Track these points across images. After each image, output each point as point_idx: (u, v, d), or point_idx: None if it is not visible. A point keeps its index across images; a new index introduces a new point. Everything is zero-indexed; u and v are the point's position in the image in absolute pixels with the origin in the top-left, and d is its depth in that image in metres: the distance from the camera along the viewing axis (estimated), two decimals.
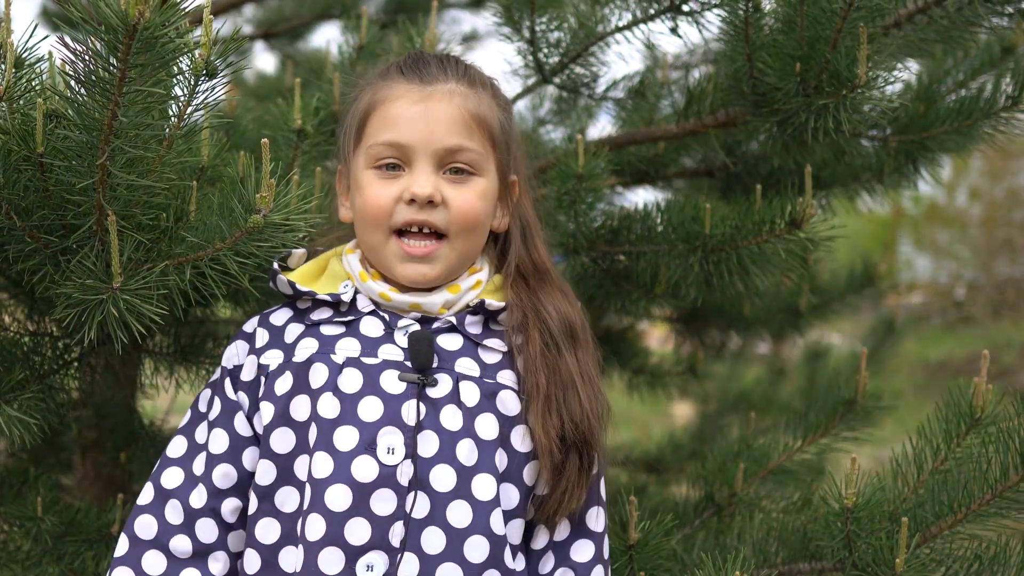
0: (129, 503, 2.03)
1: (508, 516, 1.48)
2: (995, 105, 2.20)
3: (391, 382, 1.46)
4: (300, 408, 1.47)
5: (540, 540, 1.54)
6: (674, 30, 2.17)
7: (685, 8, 2.11)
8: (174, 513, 1.51)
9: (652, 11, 2.17)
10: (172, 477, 1.53)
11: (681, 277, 2.09)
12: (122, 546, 1.52)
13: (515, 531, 1.50)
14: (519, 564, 1.50)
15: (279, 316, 1.57)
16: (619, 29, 2.23)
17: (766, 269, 2.02)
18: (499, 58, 2.38)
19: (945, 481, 1.78)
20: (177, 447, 1.56)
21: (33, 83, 1.39)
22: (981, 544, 1.78)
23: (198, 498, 1.51)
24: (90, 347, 1.92)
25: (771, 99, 1.94)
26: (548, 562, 1.54)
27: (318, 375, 1.47)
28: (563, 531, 1.54)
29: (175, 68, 1.21)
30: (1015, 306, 10.93)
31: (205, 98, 1.31)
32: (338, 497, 1.41)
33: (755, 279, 2.03)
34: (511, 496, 1.48)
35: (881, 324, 3.89)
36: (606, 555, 1.58)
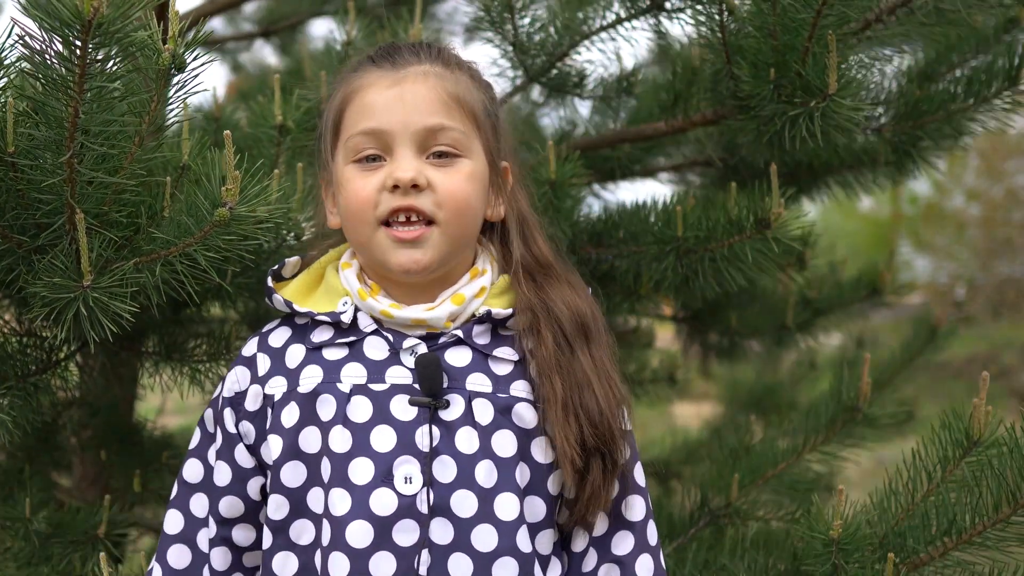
0: (117, 503, 2.03)
1: (536, 529, 1.44)
2: (990, 89, 2.16)
3: (402, 408, 1.41)
4: (310, 441, 1.43)
5: (579, 543, 1.49)
6: (657, 29, 2.16)
7: (668, 6, 2.10)
8: (207, 542, 1.51)
9: (635, 10, 2.16)
10: (199, 504, 1.52)
11: (660, 279, 2.07)
12: None
13: (544, 542, 1.46)
14: (552, 573, 1.47)
15: (278, 336, 1.52)
16: (603, 28, 2.22)
17: (740, 270, 2.00)
18: (488, 57, 2.37)
19: (939, 506, 1.73)
20: (194, 471, 1.54)
21: (13, 81, 1.38)
22: (972, 575, 1.75)
23: (214, 529, 1.51)
24: (79, 347, 1.91)
25: (749, 104, 1.93)
26: (591, 559, 1.48)
27: (326, 407, 1.43)
28: (601, 526, 1.48)
29: (142, 62, 1.20)
30: (1015, 306, 10.92)
31: (176, 93, 1.29)
32: (359, 534, 1.37)
33: (731, 280, 2.01)
34: (537, 509, 1.44)
35: (921, 331, 3.69)
36: (651, 542, 1.51)
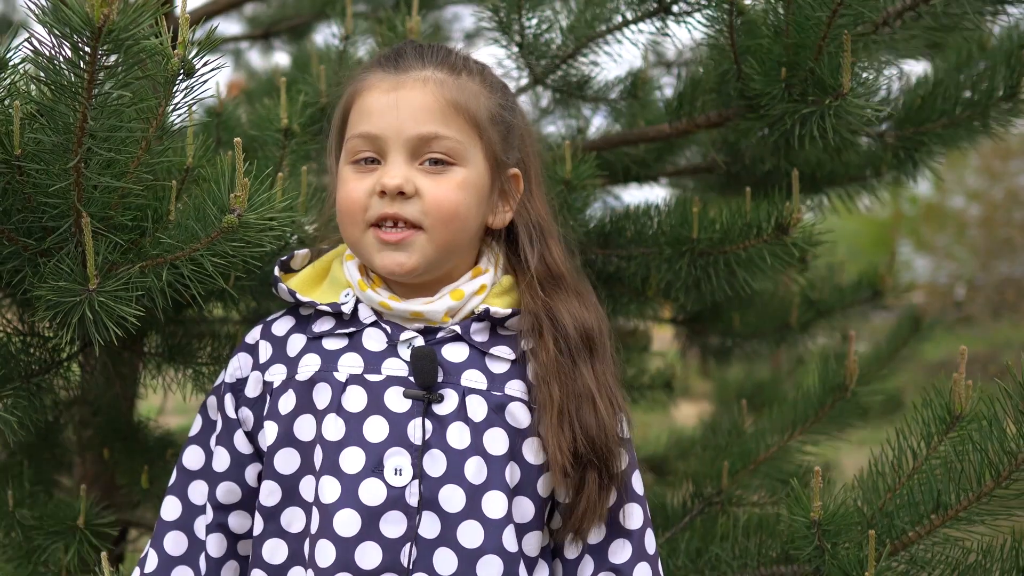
0: (95, 495, 2.03)
1: (524, 530, 1.44)
2: (992, 97, 2.16)
3: (396, 400, 1.42)
4: (305, 429, 1.44)
5: (572, 550, 1.49)
6: (664, 31, 2.15)
7: (675, 9, 2.10)
8: (203, 529, 1.52)
9: (642, 12, 2.15)
10: (198, 491, 1.54)
11: (671, 280, 2.07)
12: (151, 562, 1.53)
13: (531, 544, 1.46)
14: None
15: (281, 325, 1.54)
16: (610, 30, 2.21)
17: (754, 273, 2.00)
18: (494, 58, 2.37)
19: (923, 484, 1.73)
20: (194, 458, 1.55)
21: (18, 84, 1.37)
22: (962, 551, 1.75)
23: (210, 515, 1.52)
24: (82, 347, 1.91)
25: (758, 103, 1.92)
26: (587, 567, 1.48)
27: (322, 395, 1.44)
28: (597, 534, 1.48)
29: (151, 68, 1.20)
30: (1015, 306, 10.93)
31: (184, 98, 1.29)
32: (347, 522, 1.38)
33: (743, 283, 2.01)
34: (525, 510, 1.44)
35: (905, 322, 3.69)
36: (650, 551, 1.51)
